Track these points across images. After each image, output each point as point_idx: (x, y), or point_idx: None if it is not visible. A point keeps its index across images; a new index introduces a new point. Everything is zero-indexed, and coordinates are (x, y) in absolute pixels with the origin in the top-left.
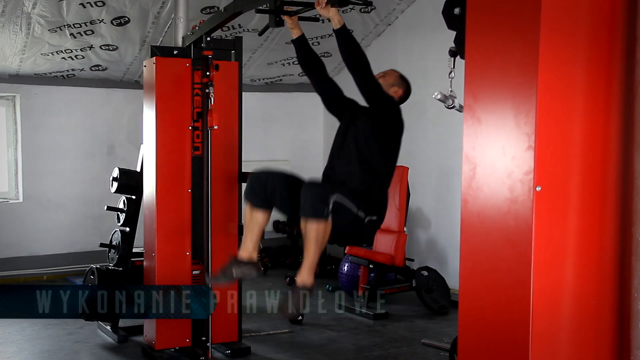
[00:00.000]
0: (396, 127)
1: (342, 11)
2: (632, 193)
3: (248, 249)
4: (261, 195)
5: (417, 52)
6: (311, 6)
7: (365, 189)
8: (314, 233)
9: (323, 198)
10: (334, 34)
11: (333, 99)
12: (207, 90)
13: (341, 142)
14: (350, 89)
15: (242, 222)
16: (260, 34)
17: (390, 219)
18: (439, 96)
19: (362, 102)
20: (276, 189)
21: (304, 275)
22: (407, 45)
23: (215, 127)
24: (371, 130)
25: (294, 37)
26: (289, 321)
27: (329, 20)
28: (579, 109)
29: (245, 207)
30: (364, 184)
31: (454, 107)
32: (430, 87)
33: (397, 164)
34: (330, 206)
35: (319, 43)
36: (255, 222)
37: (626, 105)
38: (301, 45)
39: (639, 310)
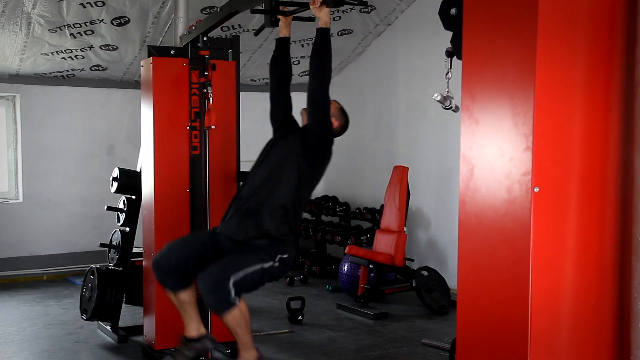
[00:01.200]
0: (324, 151)
1: (342, 11)
2: (632, 193)
3: (194, 327)
4: (173, 279)
5: (417, 52)
6: (306, 6)
7: (274, 222)
8: (233, 322)
9: (221, 287)
10: (316, 32)
11: (281, 112)
12: (204, 90)
13: (265, 155)
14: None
15: None
16: (256, 34)
17: (390, 219)
18: (438, 97)
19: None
20: (183, 264)
21: (246, 356)
22: (407, 45)
23: (213, 126)
24: (300, 148)
25: (281, 35)
26: None
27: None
28: (577, 110)
29: (167, 293)
30: (274, 214)
31: (450, 108)
32: (430, 87)
33: (397, 164)
34: (233, 291)
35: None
36: (185, 303)
37: (626, 105)
38: (283, 45)
39: (639, 310)
